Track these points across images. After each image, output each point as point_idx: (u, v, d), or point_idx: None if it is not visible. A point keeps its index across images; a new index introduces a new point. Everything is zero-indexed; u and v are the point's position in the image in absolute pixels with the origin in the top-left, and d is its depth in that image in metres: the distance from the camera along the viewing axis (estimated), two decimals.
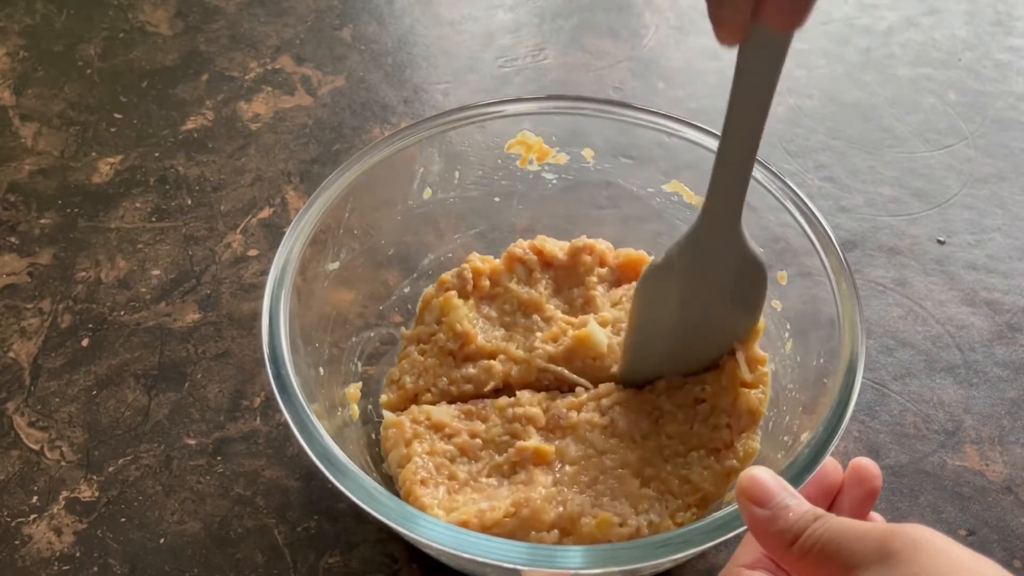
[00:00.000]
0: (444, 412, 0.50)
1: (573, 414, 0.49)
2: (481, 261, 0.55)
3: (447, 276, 0.55)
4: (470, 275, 0.54)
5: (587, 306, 0.54)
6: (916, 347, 0.58)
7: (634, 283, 0.55)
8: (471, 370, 0.51)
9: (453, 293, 0.53)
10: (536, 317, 0.53)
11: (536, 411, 0.49)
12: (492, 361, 0.51)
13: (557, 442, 0.48)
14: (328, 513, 0.51)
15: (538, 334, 0.52)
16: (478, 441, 0.48)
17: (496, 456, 0.48)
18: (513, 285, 0.54)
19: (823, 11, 0.83)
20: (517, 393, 0.50)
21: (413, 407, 0.50)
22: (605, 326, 0.52)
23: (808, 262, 0.48)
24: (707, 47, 0.80)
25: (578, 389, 0.51)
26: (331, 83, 0.76)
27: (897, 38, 0.81)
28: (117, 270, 0.62)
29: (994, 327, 0.59)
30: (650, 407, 0.50)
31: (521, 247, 0.56)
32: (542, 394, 0.51)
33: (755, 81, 0.38)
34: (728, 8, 0.33)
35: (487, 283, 0.54)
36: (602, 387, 0.50)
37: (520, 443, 0.47)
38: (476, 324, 0.53)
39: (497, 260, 0.56)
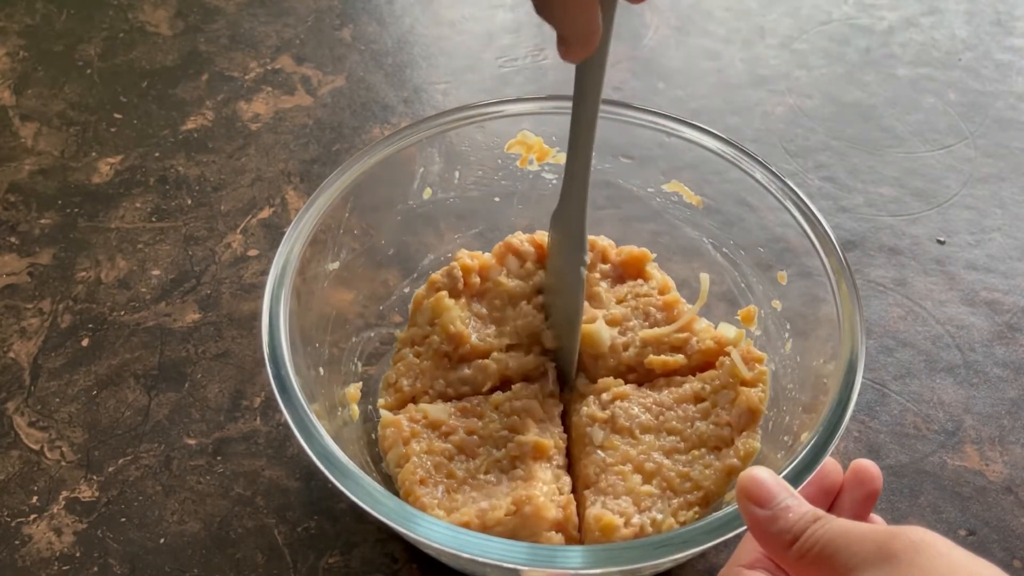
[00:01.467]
0: (441, 410, 0.49)
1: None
2: (470, 258, 0.54)
3: (437, 276, 0.54)
4: (460, 273, 0.53)
5: (592, 301, 0.54)
6: (916, 347, 0.58)
7: (639, 280, 0.55)
8: (467, 371, 0.51)
9: (444, 293, 0.52)
10: (525, 305, 0.53)
11: (533, 403, 0.49)
12: (487, 360, 0.51)
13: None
14: (328, 513, 0.51)
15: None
16: (475, 438, 0.48)
17: (494, 451, 0.48)
18: (502, 278, 0.54)
19: (823, 11, 0.83)
20: (513, 386, 0.50)
21: (411, 405, 0.50)
22: (614, 325, 0.52)
23: (808, 262, 0.48)
24: (707, 47, 0.80)
25: (578, 383, 0.51)
26: (331, 83, 0.76)
27: (897, 38, 0.81)
28: (117, 270, 0.62)
29: (994, 327, 0.59)
30: (650, 403, 0.50)
31: (519, 238, 0.55)
32: (537, 385, 0.50)
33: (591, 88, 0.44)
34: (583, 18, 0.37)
35: (477, 280, 0.54)
36: (601, 381, 0.50)
37: (519, 437, 0.47)
38: (468, 323, 0.52)
39: (486, 255, 0.55)
